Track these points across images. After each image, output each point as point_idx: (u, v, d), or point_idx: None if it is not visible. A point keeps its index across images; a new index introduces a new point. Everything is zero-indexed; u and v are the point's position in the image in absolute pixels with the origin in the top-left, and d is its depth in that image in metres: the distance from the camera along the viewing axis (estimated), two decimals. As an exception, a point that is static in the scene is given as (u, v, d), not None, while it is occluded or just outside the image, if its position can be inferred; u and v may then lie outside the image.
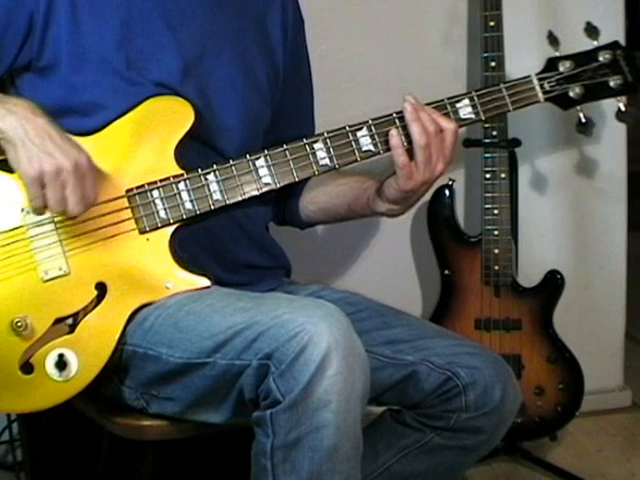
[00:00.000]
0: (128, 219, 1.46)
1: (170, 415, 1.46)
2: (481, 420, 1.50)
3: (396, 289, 2.31)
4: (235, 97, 1.57)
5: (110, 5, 1.49)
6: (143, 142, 1.48)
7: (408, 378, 1.52)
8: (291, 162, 1.51)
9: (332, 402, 1.25)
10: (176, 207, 1.48)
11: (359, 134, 1.52)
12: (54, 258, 1.43)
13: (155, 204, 1.47)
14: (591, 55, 1.58)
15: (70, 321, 1.42)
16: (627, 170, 2.46)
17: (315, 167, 1.52)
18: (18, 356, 1.40)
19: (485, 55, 2.10)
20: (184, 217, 1.48)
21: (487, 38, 2.10)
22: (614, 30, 2.19)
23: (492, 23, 2.09)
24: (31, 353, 1.40)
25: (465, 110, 1.55)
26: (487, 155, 2.15)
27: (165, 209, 1.47)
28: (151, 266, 1.47)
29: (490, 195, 2.15)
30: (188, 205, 1.48)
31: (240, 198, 1.50)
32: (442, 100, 1.54)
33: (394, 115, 1.52)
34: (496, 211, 2.16)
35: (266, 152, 1.51)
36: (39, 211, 1.38)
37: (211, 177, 1.49)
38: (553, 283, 2.23)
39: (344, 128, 1.53)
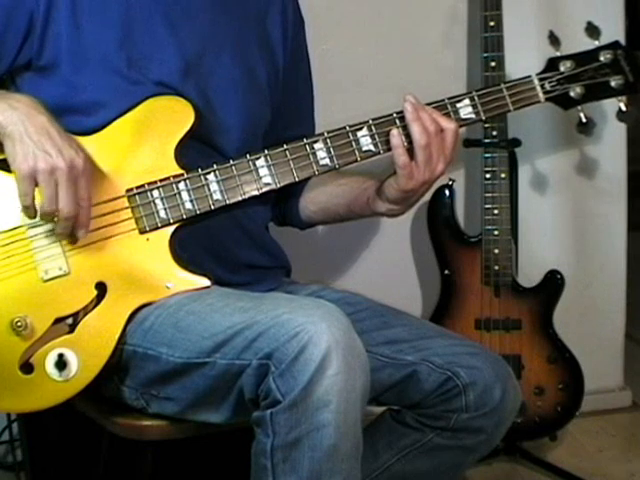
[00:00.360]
0: (128, 219, 1.46)
1: (170, 415, 1.46)
2: (481, 420, 1.50)
3: (396, 289, 2.31)
4: (235, 97, 1.57)
5: (111, 4, 1.49)
6: (143, 142, 1.48)
7: (408, 378, 1.52)
8: (291, 162, 1.51)
9: (332, 402, 1.25)
10: (176, 207, 1.48)
11: (359, 134, 1.52)
12: (54, 258, 1.43)
13: (155, 204, 1.47)
14: (592, 55, 1.58)
15: (70, 321, 1.42)
16: (627, 170, 2.45)
17: (315, 167, 1.52)
18: (18, 356, 1.40)
19: (485, 55, 2.10)
20: (184, 217, 1.48)
21: (487, 38, 2.10)
22: (614, 30, 2.18)
23: (492, 23, 2.09)
24: (31, 353, 1.40)
25: (465, 110, 1.55)
26: (487, 155, 2.15)
27: (165, 209, 1.47)
28: (151, 266, 1.47)
29: (490, 195, 2.15)
30: (188, 205, 1.48)
31: (240, 198, 1.50)
32: (442, 100, 1.54)
33: (394, 115, 1.52)
34: (496, 211, 2.15)
35: (266, 152, 1.51)
36: (28, 211, 1.37)
37: (211, 177, 1.49)
38: (553, 283, 2.23)
39: (344, 128, 1.52)
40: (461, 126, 1.54)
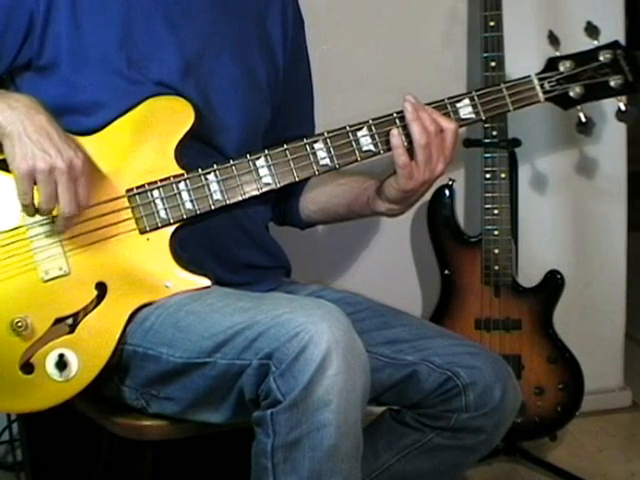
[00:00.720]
0: (128, 219, 1.46)
1: (170, 415, 1.46)
2: (481, 420, 1.50)
3: (396, 289, 2.31)
4: (235, 97, 1.57)
5: (111, 4, 1.49)
6: (143, 142, 1.48)
7: (408, 378, 1.52)
8: (291, 162, 1.51)
9: (332, 402, 1.25)
10: (176, 207, 1.48)
11: (359, 134, 1.52)
12: (54, 258, 1.43)
13: (155, 204, 1.47)
14: (591, 55, 1.58)
15: (70, 321, 1.42)
16: (627, 170, 2.45)
17: (315, 167, 1.52)
18: (18, 356, 1.40)
19: (485, 55, 2.10)
20: (184, 217, 1.48)
21: (487, 38, 2.10)
22: (614, 30, 2.18)
23: (492, 23, 2.09)
24: (31, 353, 1.40)
25: (465, 110, 1.55)
26: (487, 155, 2.15)
27: (165, 209, 1.47)
28: (151, 266, 1.47)
29: (490, 195, 2.15)
30: (188, 205, 1.48)
31: (240, 198, 1.50)
32: (442, 100, 1.54)
33: (394, 115, 1.52)
34: (496, 211, 2.16)
35: (266, 152, 1.51)
36: (27, 210, 1.37)
37: (211, 177, 1.49)
38: (553, 283, 2.23)
39: (344, 128, 1.52)
40: (461, 126, 1.54)
